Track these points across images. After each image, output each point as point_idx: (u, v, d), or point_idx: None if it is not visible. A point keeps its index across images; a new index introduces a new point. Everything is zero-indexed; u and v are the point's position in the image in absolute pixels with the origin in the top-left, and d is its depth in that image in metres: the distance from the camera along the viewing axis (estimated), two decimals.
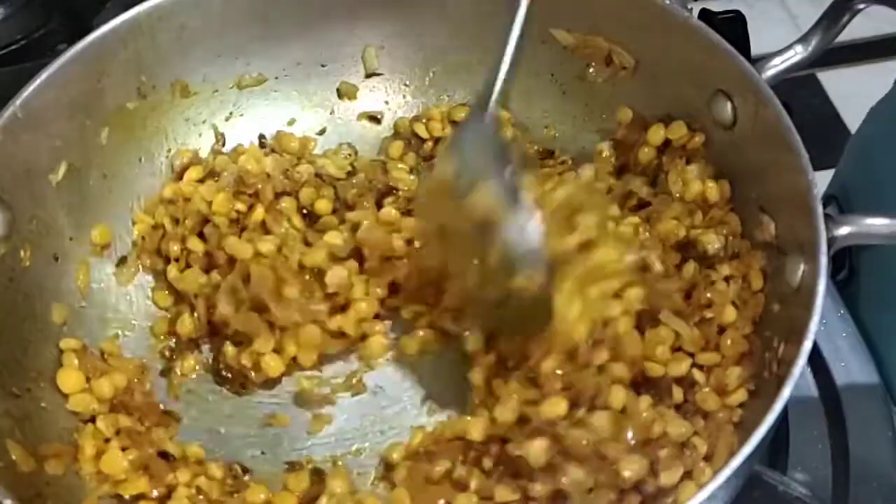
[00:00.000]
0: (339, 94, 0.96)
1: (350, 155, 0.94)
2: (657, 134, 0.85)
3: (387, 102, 0.97)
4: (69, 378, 0.78)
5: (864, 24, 0.85)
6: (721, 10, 0.91)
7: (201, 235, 0.85)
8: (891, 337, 0.87)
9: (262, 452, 0.79)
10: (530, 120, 0.94)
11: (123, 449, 0.74)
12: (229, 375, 0.82)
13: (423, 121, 0.94)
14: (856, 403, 0.83)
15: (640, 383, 0.74)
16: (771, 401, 0.62)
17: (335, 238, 0.84)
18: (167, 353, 0.84)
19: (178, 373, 0.83)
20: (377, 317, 0.84)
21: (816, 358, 0.85)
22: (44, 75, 0.79)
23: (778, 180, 0.73)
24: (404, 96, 0.97)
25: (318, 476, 0.77)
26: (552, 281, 0.71)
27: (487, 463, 0.73)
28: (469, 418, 0.75)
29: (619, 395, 0.70)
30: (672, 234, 0.80)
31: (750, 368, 0.72)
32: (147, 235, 0.87)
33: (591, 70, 0.90)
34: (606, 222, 0.76)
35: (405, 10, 0.93)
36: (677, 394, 0.73)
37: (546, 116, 0.94)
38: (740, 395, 0.71)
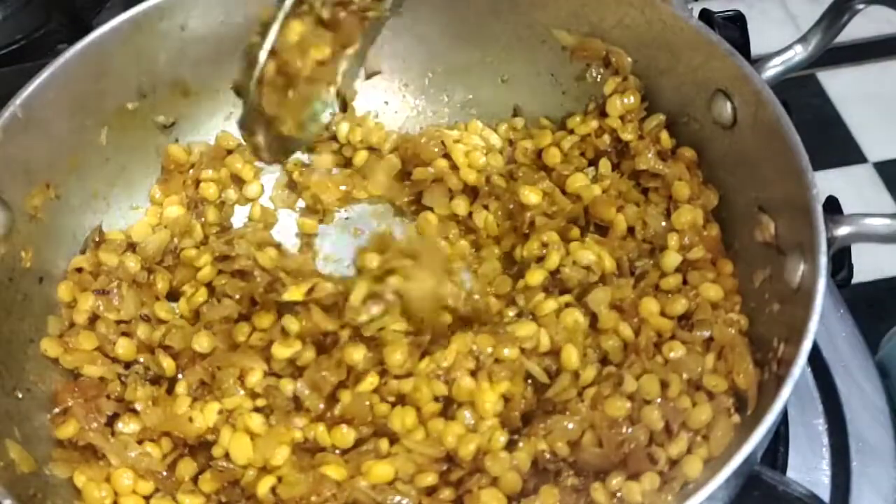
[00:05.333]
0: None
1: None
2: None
3: (387, 102, 0.97)
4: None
5: (864, 24, 0.85)
6: (721, 10, 0.91)
7: None
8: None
9: None
10: (531, 119, 0.94)
11: None
12: None
13: None
14: (856, 403, 0.83)
15: None
16: (771, 401, 0.62)
17: None
18: None
19: None
20: None
21: (816, 358, 0.85)
22: (44, 75, 0.79)
23: (778, 180, 0.73)
24: (404, 96, 0.97)
25: None
26: None
27: None
28: None
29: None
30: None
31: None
32: None
33: (590, 70, 0.90)
34: None
35: (404, 10, 0.92)
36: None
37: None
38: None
